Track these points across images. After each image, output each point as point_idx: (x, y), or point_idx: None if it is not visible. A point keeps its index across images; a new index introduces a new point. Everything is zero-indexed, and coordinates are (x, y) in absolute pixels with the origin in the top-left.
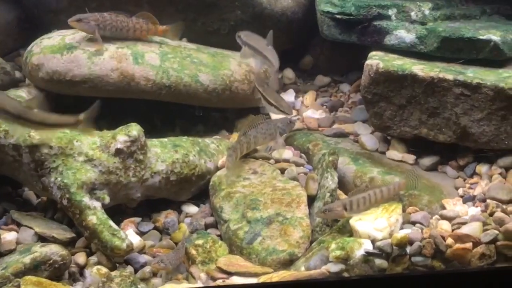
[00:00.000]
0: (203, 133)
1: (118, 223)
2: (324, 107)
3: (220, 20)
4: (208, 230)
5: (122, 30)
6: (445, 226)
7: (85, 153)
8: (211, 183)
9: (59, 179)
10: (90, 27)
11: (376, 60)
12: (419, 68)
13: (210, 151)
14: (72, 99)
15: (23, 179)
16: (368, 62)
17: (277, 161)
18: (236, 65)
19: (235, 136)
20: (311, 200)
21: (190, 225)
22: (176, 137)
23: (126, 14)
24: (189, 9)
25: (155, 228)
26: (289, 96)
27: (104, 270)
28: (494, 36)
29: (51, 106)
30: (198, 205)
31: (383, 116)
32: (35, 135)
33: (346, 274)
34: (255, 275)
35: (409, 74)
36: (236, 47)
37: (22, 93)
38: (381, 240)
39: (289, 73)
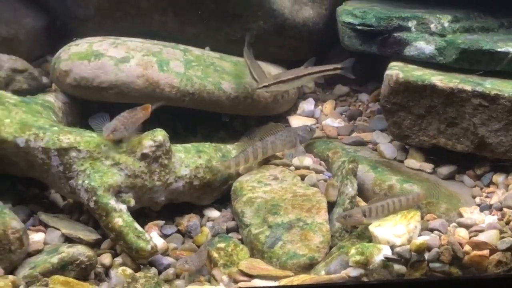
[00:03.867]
0: (224, 139)
1: (142, 225)
2: (343, 116)
3: (243, 29)
4: (230, 234)
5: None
6: (462, 233)
7: (112, 157)
8: (232, 188)
9: (86, 181)
10: (121, 132)
11: (396, 71)
12: (438, 79)
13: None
14: (98, 104)
15: (51, 182)
16: (388, 72)
17: (297, 168)
18: None
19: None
20: (330, 206)
21: (212, 228)
22: (200, 142)
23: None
24: (213, 18)
25: (178, 231)
26: (308, 104)
27: (129, 271)
28: None
29: (78, 112)
30: (220, 210)
31: (402, 125)
32: (64, 139)
33: (365, 279)
34: (276, 278)
35: (428, 84)
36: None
37: (50, 98)
38: (400, 246)
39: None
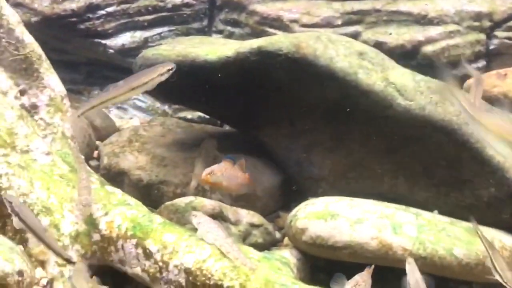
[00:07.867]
0: None
1: None
2: None
3: (474, 196)
4: None
5: None
6: None
7: None
8: None
9: None
10: None
11: None
12: None
13: None
14: (325, 261)
15: None
16: None
17: None
18: None
19: None
20: None
21: None
22: None
23: None
24: (443, 183)
25: None
26: None
27: None
28: None
29: (309, 268)
30: None
31: None
32: None
33: None
34: None
35: None
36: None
37: (286, 254)
38: None
39: None
